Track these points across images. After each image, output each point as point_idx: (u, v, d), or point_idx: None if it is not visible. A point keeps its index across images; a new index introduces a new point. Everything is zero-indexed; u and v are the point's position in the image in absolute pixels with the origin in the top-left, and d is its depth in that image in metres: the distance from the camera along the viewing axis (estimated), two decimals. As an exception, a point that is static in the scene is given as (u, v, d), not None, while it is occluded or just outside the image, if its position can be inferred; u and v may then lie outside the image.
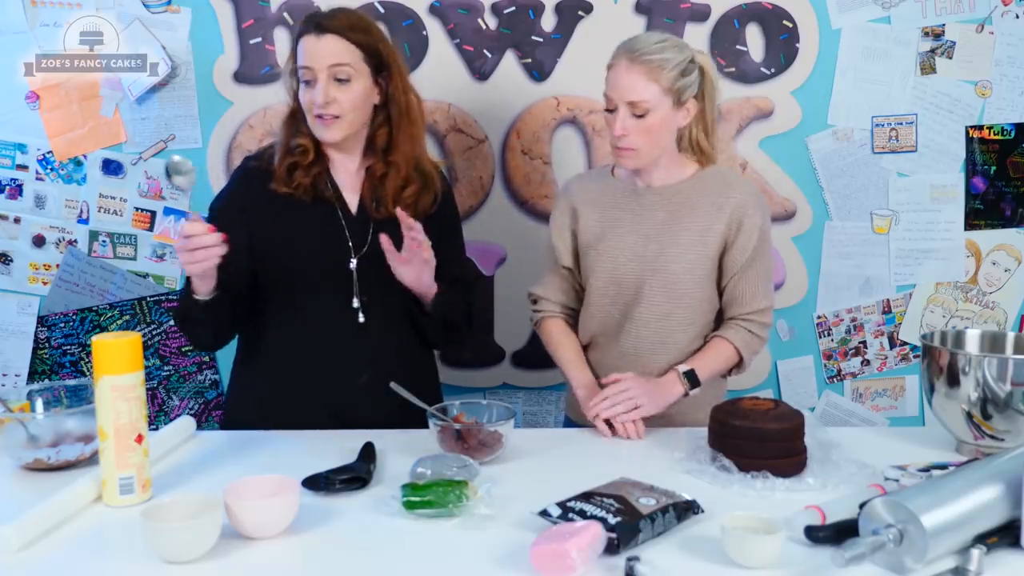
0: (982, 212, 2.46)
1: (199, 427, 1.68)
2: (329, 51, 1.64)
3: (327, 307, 1.72)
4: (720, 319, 1.78)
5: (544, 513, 1.20)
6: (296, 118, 1.73)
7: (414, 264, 1.63)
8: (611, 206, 1.77)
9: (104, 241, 2.38)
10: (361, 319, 1.72)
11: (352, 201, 1.76)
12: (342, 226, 1.73)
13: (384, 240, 1.61)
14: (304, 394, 1.73)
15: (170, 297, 2.40)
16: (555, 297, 1.86)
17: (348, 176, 1.77)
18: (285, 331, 1.74)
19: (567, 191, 1.86)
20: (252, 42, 2.34)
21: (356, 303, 1.71)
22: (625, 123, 1.64)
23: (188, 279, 1.61)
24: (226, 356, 2.18)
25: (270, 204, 1.71)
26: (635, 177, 1.76)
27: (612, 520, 1.14)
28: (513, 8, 2.35)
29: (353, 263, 1.71)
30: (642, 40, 1.66)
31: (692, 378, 1.67)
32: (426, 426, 1.53)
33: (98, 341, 1.29)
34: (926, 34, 2.38)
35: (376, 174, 1.74)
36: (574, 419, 1.85)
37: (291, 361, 1.73)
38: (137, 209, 2.38)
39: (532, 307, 1.91)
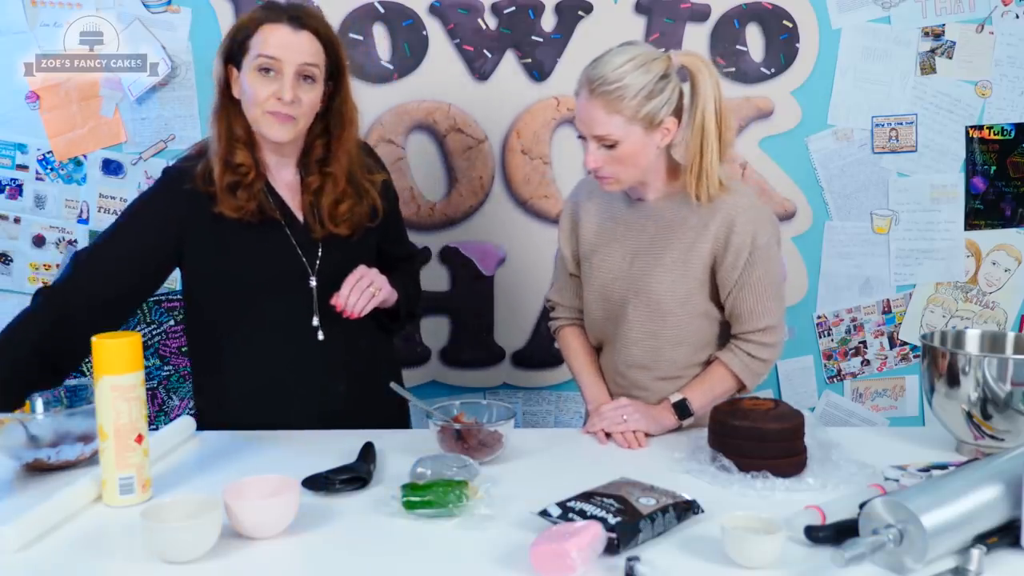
0: (982, 212, 2.46)
1: (199, 427, 1.68)
2: (304, 48, 1.57)
3: (288, 326, 1.66)
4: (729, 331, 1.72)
5: (544, 513, 1.20)
6: (230, 115, 1.62)
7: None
8: (608, 218, 1.72)
9: (104, 241, 2.38)
10: (320, 336, 1.67)
11: (298, 213, 1.69)
12: (293, 245, 1.66)
13: (334, 300, 1.59)
14: (273, 408, 1.68)
15: (170, 297, 2.40)
16: (570, 302, 1.83)
17: (289, 190, 1.69)
18: (245, 351, 1.68)
19: (572, 198, 1.81)
20: (252, 42, 2.34)
21: (316, 321, 1.66)
22: (596, 155, 1.55)
23: None
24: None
25: (216, 228, 1.61)
26: (633, 189, 1.70)
27: (612, 520, 1.14)
28: (513, 8, 2.35)
29: (313, 282, 1.66)
30: (603, 65, 1.53)
31: (684, 409, 1.62)
32: (409, 427, 1.52)
33: (98, 341, 1.29)
34: (926, 34, 2.39)
35: (311, 187, 1.67)
36: None
37: (256, 379, 1.68)
38: (137, 209, 2.38)
39: (550, 314, 1.88)
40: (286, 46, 1.56)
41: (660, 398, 1.66)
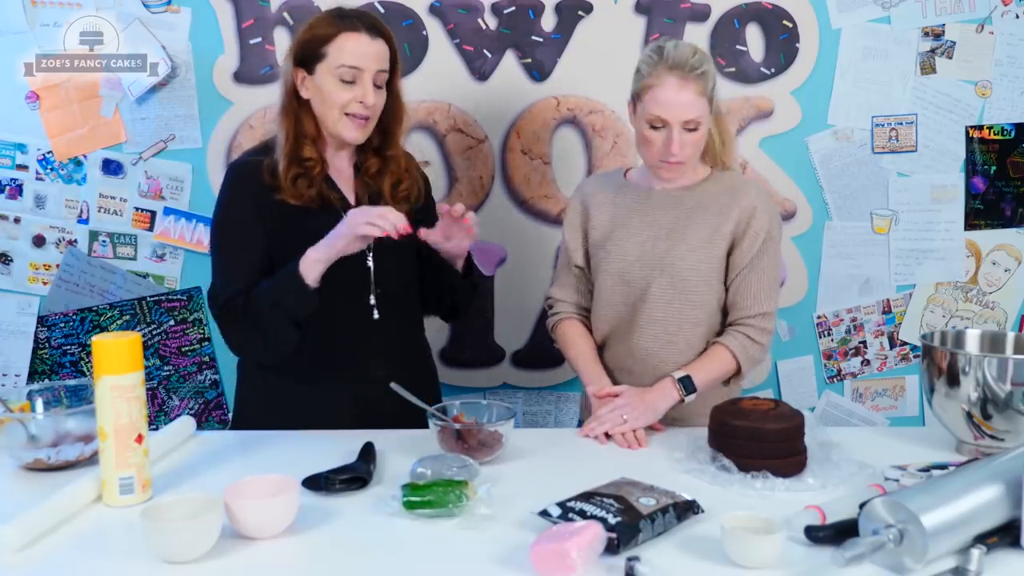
0: (982, 212, 2.46)
1: (199, 427, 1.68)
2: (379, 55, 1.67)
3: (346, 304, 1.72)
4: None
5: (544, 513, 1.20)
6: (298, 114, 1.70)
7: (457, 238, 1.69)
8: (622, 206, 1.79)
9: (104, 241, 2.38)
10: (376, 316, 1.74)
11: (351, 199, 1.77)
12: None
13: (424, 233, 1.65)
14: (329, 389, 1.74)
15: (170, 297, 2.40)
16: (570, 298, 1.87)
17: (343, 178, 1.78)
18: (306, 330, 1.71)
19: (580, 191, 1.88)
20: (252, 42, 2.34)
21: (372, 300, 1.74)
22: (684, 140, 1.62)
23: (288, 278, 1.61)
24: (226, 356, 2.18)
25: (283, 214, 1.69)
26: (650, 180, 1.77)
27: (612, 520, 1.14)
28: (513, 8, 2.35)
29: (370, 260, 1.72)
30: (682, 53, 1.62)
31: (688, 384, 1.66)
32: (427, 426, 1.53)
33: (98, 341, 1.29)
34: (926, 34, 2.39)
35: (371, 171, 1.77)
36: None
37: (314, 359, 1.73)
38: (137, 209, 2.38)
39: (549, 311, 1.91)
40: (365, 55, 1.65)
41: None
